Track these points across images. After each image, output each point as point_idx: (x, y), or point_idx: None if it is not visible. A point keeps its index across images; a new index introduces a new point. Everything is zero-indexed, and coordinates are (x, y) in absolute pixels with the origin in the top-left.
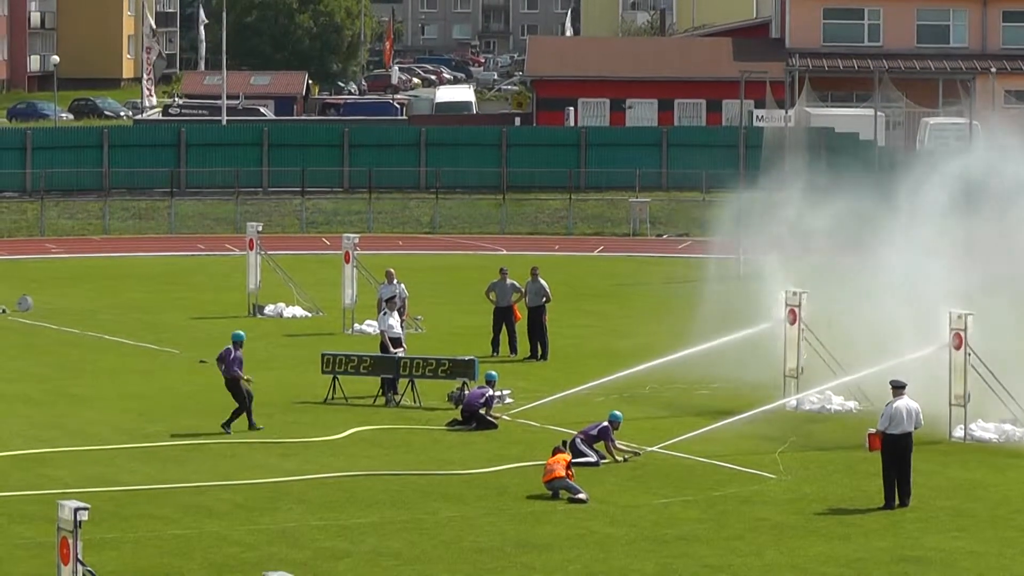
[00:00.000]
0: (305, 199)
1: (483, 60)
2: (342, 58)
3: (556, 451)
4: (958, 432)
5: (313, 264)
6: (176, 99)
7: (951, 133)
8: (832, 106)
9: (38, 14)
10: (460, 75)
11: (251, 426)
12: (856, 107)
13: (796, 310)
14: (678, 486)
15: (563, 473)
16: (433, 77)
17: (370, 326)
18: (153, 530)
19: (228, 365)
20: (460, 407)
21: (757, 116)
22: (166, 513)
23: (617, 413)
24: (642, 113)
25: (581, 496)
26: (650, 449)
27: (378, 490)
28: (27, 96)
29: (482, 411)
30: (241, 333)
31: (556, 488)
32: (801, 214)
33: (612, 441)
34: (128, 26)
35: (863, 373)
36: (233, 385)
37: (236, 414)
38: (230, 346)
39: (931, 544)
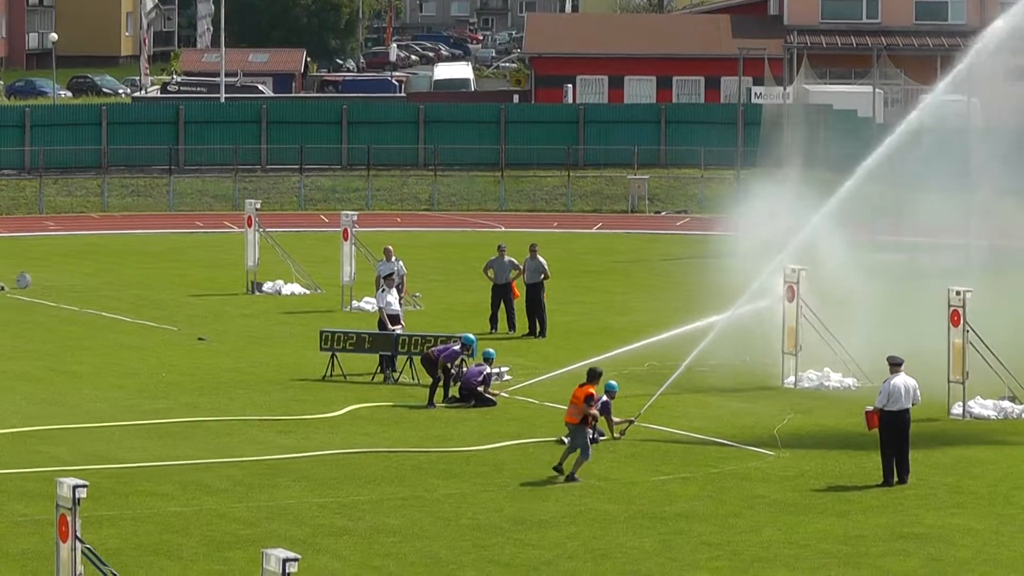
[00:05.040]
0: (303, 176)
1: (481, 37)
2: (340, 35)
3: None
4: (957, 409)
5: (311, 241)
6: (174, 76)
7: (949, 110)
8: (830, 83)
9: None
10: (458, 52)
11: None
12: (854, 84)
13: (795, 287)
14: (676, 463)
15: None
16: (431, 54)
17: (368, 303)
18: (152, 507)
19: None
20: (459, 384)
21: (755, 93)
22: (165, 490)
23: (613, 383)
24: (640, 90)
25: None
26: (646, 426)
27: (377, 467)
28: (25, 74)
29: (480, 388)
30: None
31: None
32: (799, 190)
33: (611, 416)
34: (127, 3)
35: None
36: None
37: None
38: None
39: (930, 521)
